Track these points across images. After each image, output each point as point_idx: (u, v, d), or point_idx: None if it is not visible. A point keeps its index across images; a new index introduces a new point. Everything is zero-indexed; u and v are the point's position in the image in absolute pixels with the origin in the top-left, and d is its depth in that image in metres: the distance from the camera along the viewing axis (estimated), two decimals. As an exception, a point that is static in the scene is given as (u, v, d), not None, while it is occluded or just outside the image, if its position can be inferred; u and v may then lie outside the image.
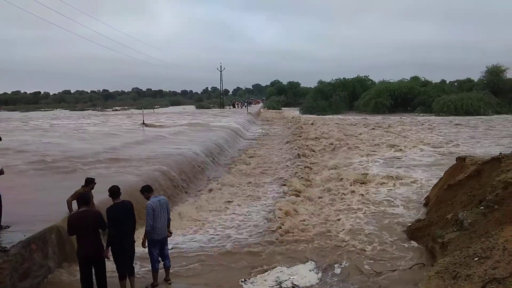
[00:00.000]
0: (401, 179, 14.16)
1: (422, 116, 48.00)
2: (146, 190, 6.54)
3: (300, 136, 28.47)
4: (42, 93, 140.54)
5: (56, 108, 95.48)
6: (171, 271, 6.82)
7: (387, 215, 10.35)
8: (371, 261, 7.45)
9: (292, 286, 6.59)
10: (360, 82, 69.81)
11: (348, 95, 65.29)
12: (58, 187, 10.09)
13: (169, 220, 6.61)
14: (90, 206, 6.39)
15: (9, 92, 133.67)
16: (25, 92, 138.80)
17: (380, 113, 53.63)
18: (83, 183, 7.37)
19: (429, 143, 23.47)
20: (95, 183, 7.30)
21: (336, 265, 7.34)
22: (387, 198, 11.86)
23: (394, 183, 13.63)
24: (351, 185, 13.44)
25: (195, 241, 8.89)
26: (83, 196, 6.05)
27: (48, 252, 6.84)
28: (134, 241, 6.19)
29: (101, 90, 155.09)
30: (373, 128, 33.46)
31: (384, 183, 13.70)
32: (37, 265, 6.50)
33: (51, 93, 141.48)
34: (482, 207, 7.01)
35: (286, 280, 6.80)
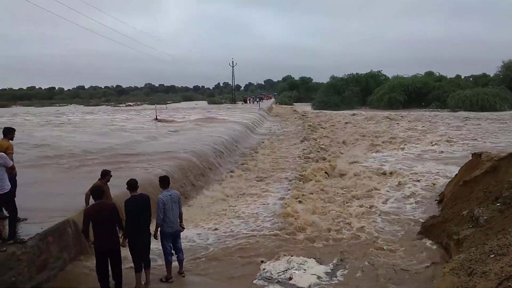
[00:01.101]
0: (416, 174, 14.03)
1: (436, 111, 47.27)
2: (162, 182, 6.61)
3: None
4: (56, 88, 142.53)
5: (71, 104, 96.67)
6: (184, 264, 6.89)
7: (401, 211, 10.28)
8: (385, 257, 7.42)
9: (290, 277, 6.68)
10: (373, 77, 69.04)
11: (361, 90, 64.57)
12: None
13: (181, 214, 6.68)
14: (106, 198, 6.49)
15: (25, 88, 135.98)
16: (40, 88, 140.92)
17: (393, 108, 52.97)
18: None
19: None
20: (111, 176, 7.37)
21: (348, 261, 7.32)
22: (401, 194, 11.76)
23: (408, 179, 13.50)
24: (366, 180, 13.36)
25: (210, 233, 8.96)
26: (97, 189, 6.13)
27: (65, 244, 6.97)
28: (151, 234, 6.28)
29: (114, 86, 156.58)
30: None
31: (399, 179, 13.59)
32: (54, 257, 6.63)
33: (65, 89, 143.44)
34: (498, 204, 6.91)
35: (292, 268, 6.91)
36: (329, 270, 6.96)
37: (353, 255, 7.55)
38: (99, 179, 7.28)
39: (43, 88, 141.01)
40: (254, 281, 6.67)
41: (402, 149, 20.69)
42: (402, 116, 39.76)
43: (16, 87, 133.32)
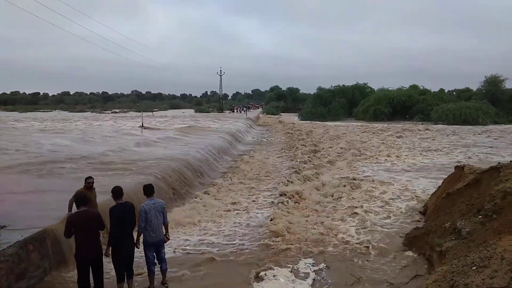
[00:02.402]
0: (402, 185, 14.18)
1: (421, 124, 47.99)
2: (145, 191, 6.54)
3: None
4: (41, 94, 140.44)
5: (55, 109, 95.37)
6: (168, 274, 6.80)
7: (384, 223, 10.34)
8: (368, 269, 7.43)
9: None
10: (359, 89, 70.01)
11: (347, 102, 65.45)
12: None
13: (166, 224, 6.59)
14: (91, 205, 6.41)
15: (8, 93, 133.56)
16: (24, 93, 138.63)
17: (378, 120, 53.76)
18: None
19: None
20: (89, 181, 7.27)
21: (332, 272, 7.31)
22: (384, 205, 11.85)
23: (392, 190, 13.63)
24: (349, 191, 13.44)
25: (193, 244, 8.86)
26: (80, 196, 6.02)
27: (45, 252, 6.81)
28: (134, 243, 6.20)
29: (100, 92, 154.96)
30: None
31: (383, 189, 13.71)
32: (34, 266, 6.47)
33: (50, 94, 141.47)
34: (480, 216, 7.01)
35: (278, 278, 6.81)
36: (312, 282, 6.93)
37: (336, 267, 7.54)
38: (84, 186, 7.19)
39: (27, 93, 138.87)
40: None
41: (387, 160, 20.90)
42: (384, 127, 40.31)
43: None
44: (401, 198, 12.76)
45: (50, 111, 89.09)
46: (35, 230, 6.84)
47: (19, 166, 13.39)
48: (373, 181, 15.15)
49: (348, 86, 70.51)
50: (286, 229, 9.39)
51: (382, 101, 57.48)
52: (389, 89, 66.65)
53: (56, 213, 7.64)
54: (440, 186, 11.30)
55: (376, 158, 21.70)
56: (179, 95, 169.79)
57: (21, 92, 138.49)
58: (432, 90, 68.50)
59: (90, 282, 5.81)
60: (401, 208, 11.59)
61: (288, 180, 15.02)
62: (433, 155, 22.42)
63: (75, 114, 71.98)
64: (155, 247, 6.43)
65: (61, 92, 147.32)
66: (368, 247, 8.51)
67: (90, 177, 7.37)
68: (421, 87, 69.09)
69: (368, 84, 72.99)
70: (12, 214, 7.55)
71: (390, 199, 12.61)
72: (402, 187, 14.24)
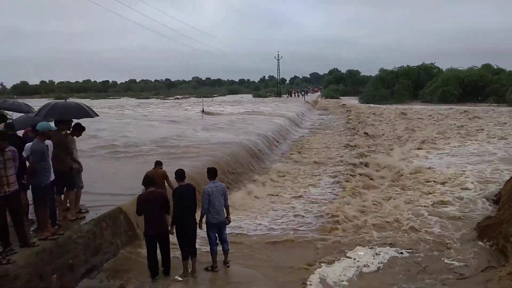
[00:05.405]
0: (470, 173, 13.37)
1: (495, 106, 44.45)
2: (209, 174, 6.80)
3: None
4: (110, 82, 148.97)
5: (123, 96, 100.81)
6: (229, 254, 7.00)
7: (454, 210, 9.83)
8: (436, 258, 7.13)
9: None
10: (426, 69, 65.91)
11: (412, 84, 62.07)
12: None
13: (227, 206, 6.79)
14: (161, 185, 7.00)
15: (81, 81, 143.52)
16: (95, 81, 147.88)
17: (447, 102, 50.50)
18: None
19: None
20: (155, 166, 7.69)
21: (395, 262, 7.11)
22: (454, 193, 11.25)
23: (464, 178, 12.86)
24: (417, 178, 12.88)
25: (256, 225, 9.08)
26: (146, 178, 6.41)
27: (117, 230, 7.32)
28: (197, 223, 6.49)
29: (164, 79, 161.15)
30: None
31: (453, 178, 12.99)
32: (107, 242, 6.98)
33: (118, 82, 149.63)
34: None
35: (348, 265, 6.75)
36: (376, 270, 6.83)
37: (402, 255, 7.33)
38: (153, 168, 7.64)
39: (97, 81, 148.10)
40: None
41: (457, 146, 19.73)
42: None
43: (72, 80, 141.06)
44: (471, 185, 12.00)
45: (119, 98, 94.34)
46: (108, 209, 7.37)
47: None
48: (441, 168, 14.42)
49: (413, 66, 66.77)
50: (349, 215, 9.31)
51: (451, 82, 53.80)
52: (459, 69, 62.25)
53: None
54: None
55: (448, 143, 20.54)
56: (237, 81, 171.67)
57: (92, 80, 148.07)
58: (507, 70, 62.92)
59: (159, 258, 6.22)
60: (472, 196, 10.92)
61: (352, 166, 14.68)
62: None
63: (143, 101, 75.54)
64: (217, 228, 6.66)
65: (128, 80, 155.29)
66: (435, 236, 8.17)
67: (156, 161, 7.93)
68: (495, 66, 63.69)
69: (435, 64, 68.70)
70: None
71: (460, 186, 11.94)
72: (472, 173, 13.40)
